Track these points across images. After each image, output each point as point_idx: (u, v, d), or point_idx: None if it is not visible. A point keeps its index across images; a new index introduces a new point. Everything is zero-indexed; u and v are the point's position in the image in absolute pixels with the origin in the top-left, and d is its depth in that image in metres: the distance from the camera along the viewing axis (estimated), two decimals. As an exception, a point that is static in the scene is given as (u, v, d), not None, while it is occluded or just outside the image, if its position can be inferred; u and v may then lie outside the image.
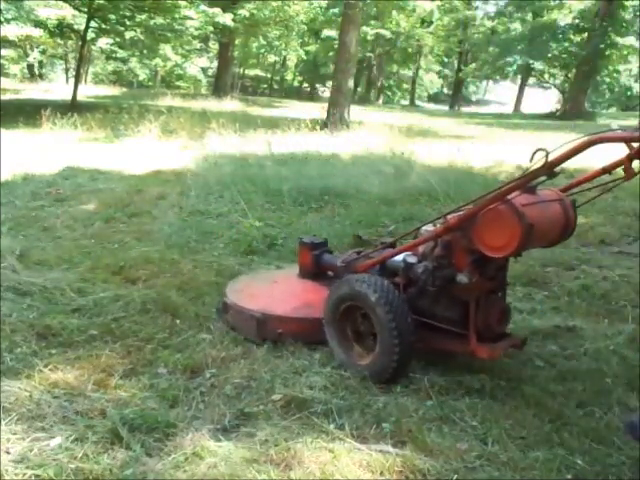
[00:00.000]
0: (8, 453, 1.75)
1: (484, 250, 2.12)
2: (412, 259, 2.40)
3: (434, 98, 45.80)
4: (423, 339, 2.36)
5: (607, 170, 2.05)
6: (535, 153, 1.90)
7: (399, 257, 2.46)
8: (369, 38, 30.09)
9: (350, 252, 2.78)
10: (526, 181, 2.03)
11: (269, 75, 39.15)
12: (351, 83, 14.12)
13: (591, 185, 2.16)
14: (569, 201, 2.25)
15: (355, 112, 14.02)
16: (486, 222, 2.10)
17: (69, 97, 14.96)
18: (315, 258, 2.83)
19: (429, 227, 2.37)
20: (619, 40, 24.09)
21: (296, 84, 40.66)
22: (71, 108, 12.63)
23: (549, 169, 1.93)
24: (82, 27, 16.22)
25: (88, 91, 20.02)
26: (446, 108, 34.76)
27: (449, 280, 2.25)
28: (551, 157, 1.91)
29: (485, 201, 2.10)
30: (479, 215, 2.11)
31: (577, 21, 25.80)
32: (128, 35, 17.27)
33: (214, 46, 28.67)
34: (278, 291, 2.86)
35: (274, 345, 2.58)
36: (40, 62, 29.21)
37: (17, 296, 2.93)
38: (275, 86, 39.81)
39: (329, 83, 22.98)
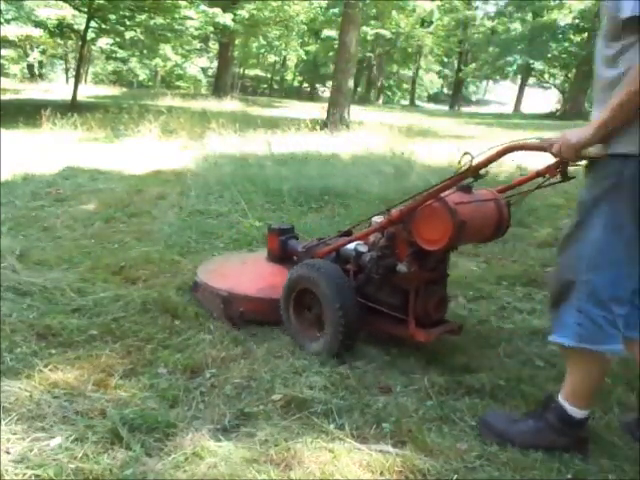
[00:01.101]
0: (8, 453, 1.75)
1: (420, 243, 2.31)
2: (363, 248, 2.60)
3: (434, 98, 45.83)
4: (370, 322, 2.57)
5: (540, 174, 2.13)
6: (463, 156, 2.04)
7: (352, 245, 2.65)
8: (369, 38, 30.10)
9: (312, 239, 2.96)
10: (454, 182, 2.19)
11: (269, 75, 39.17)
12: (351, 83, 14.12)
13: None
14: (504, 201, 2.40)
15: (355, 112, 14.03)
16: (423, 217, 2.28)
17: (69, 97, 14.96)
18: (282, 243, 2.98)
19: (379, 218, 2.52)
20: (619, 40, 24.02)
21: (296, 84, 40.68)
22: (71, 108, 12.64)
23: (474, 172, 2.09)
24: (82, 27, 16.22)
25: (88, 91, 20.02)
26: (446, 108, 34.78)
27: (391, 269, 2.43)
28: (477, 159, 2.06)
29: (421, 198, 2.28)
30: (417, 210, 2.30)
31: (577, 21, 25.79)
32: (128, 35, 17.28)
33: (214, 46, 28.68)
34: (245, 272, 3.00)
35: (273, 345, 2.58)
36: (40, 62, 29.23)
37: (17, 296, 2.93)
38: (275, 86, 39.84)
39: (329, 83, 23.00)
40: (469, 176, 2.12)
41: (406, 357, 2.52)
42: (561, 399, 1.88)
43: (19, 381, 2.14)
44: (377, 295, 2.57)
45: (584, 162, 1.81)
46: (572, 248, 1.81)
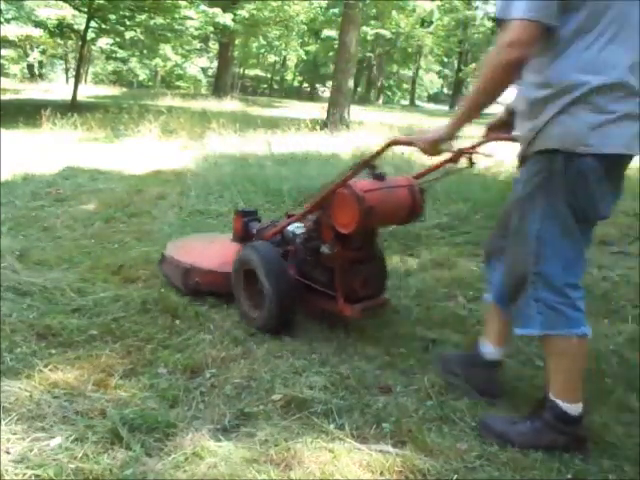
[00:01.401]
0: (8, 453, 1.75)
1: (336, 226, 2.52)
2: (299, 230, 2.82)
3: (434, 98, 45.84)
4: (308, 300, 2.78)
5: (448, 161, 2.45)
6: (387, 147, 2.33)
7: (292, 227, 2.86)
8: (369, 38, 30.11)
9: (266, 221, 3.16)
10: (354, 173, 2.48)
11: (269, 75, 39.18)
12: (351, 83, 14.13)
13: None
14: (417, 187, 2.64)
15: (355, 112, 14.03)
16: (336, 203, 2.51)
17: (69, 97, 14.96)
18: (244, 225, 3.16)
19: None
20: (619, 40, 24.05)
21: (296, 84, 40.68)
22: (71, 108, 12.64)
23: (366, 164, 2.46)
24: (82, 27, 16.22)
25: (88, 91, 20.02)
26: (446, 108, 34.74)
27: (317, 250, 2.67)
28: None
29: (332, 186, 2.53)
30: (333, 197, 2.52)
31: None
32: (128, 35, 17.29)
33: (214, 46, 28.68)
34: (209, 249, 3.24)
35: (273, 345, 2.59)
36: (40, 62, 29.24)
37: (17, 296, 2.93)
38: (275, 86, 39.85)
39: (329, 83, 22.98)
40: (365, 167, 2.46)
41: (406, 357, 2.52)
42: (552, 397, 1.89)
43: (19, 381, 2.14)
44: (312, 274, 2.76)
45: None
46: (519, 244, 1.89)
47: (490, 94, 1.79)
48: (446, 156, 2.38)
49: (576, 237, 1.82)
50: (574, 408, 1.88)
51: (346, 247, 2.59)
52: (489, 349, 2.20)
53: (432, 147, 1.99)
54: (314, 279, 2.74)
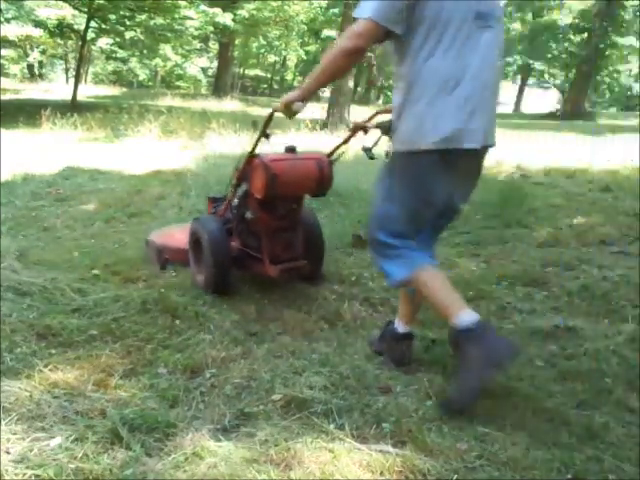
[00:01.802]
0: (8, 453, 1.75)
1: (253, 193, 2.89)
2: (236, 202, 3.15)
3: (434, 98, 45.70)
4: (244, 265, 3.17)
5: (351, 135, 2.89)
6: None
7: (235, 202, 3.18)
8: (369, 38, 29.98)
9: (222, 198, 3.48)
10: (255, 144, 2.88)
11: (269, 75, 39.15)
12: (351, 83, 14.12)
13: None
14: (327, 161, 2.99)
15: (355, 112, 14.02)
16: (252, 172, 2.89)
17: (69, 97, 14.98)
18: (213, 209, 3.48)
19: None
20: (619, 40, 24.08)
21: (296, 84, 40.64)
22: (71, 108, 12.65)
23: (262, 135, 2.84)
24: (82, 27, 16.24)
25: (88, 91, 20.03)
26: (446, 108, 34.67)
27: (244, 217, 3.05)
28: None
29: (245, 159, 2.95)
30: (251, 167, 2.90)
31: (577, 21, 25.78)
32: (128, 35, 17.29)
33: (214, 46, 28.67)
34: (180, 234, 3.58)
35: (273, 345, 2.59)
36: (40, 62, 29.24)
37: (17, 296, 2.93)
38: (275, 86, 39.80)
39: (329, 83, 22.93)
40: (261, 138, 2.85)
41: (406, 357, 2.52)
42: (451, 317, 2.10)
43: (19, 381, 2.14)
44: (247, 241, 3.15)
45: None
46: (371, 213, 2.34)
47: (328, 73, 2.18)
48: (348, 134, 2.92)
49: (406, 210, 2.18)
50: (467, 316, 2.07)
51: (269, 214, 2.96)
52: (401, 327, 2.49)
53: (285, 108, 2.34)
54: (249, 246, 3.13)
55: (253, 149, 2.91)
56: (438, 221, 2.32)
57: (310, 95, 2.31)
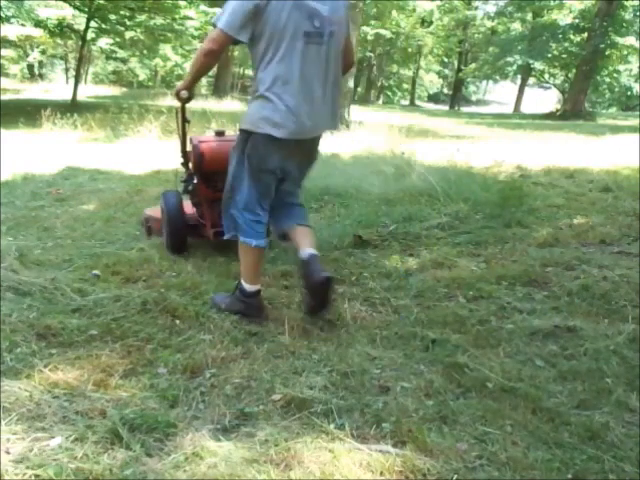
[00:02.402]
0: (8, 453, 1.75)
1: (192, 168, 3.62)
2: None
3: (434, 98, 45.81)
4: (196, 232, 3.77)
5: (185, 121, 3.46)
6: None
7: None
8: (369, 38, 30.07)
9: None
10: (183, 128, 3.47)
11: (269, 75, 38.94)
12: (351, 83, 14.12)
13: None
14: None
15: (355, 112, 14.02)
16: (191, 152, 3.57)
17: (69, 97, 14.98)
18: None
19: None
20: (619, 40, 24.06)
21: (296, 84, 40.47)
22: (71, 108, 12.65)
23: (183, 120, 3.43)
24: (82, 27, 16.23)
25: (88, 91, 20.03)
26: (446, 108, 34.77)
27: (189, 188, 3.70)
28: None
29: (184, 140, 3.54)
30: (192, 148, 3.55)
31: (577, 21, 25.77)
32: (128, 35, 17.29)
33: (214, 46, 28.55)
34: None
35: (273, 345, 2.59)
36: (40, 62, 29.25)
37: (17, 296, 2.93)
38: (275, 86, 39.62)
39: (329, 83, 22.85)
40: (183, 122, 3.42)
41: (406, 357, 2.52)
42: (241, 280, 2.86)
43: (19, 381, 2.14)
44: (198, 211, 3.77)
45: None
46: (227, 178, 2.85)
47: (195, 69, 2.78)
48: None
49: (253, 183, 2.76)
50: (250, 287, 2.83)
51: (206, 187, 3.61)
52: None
53: (176, 96, 3.01)
54: (201, 216, 3.73)
55: (183, 135, 3.48)
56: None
57: (191, 85, 2.93)
